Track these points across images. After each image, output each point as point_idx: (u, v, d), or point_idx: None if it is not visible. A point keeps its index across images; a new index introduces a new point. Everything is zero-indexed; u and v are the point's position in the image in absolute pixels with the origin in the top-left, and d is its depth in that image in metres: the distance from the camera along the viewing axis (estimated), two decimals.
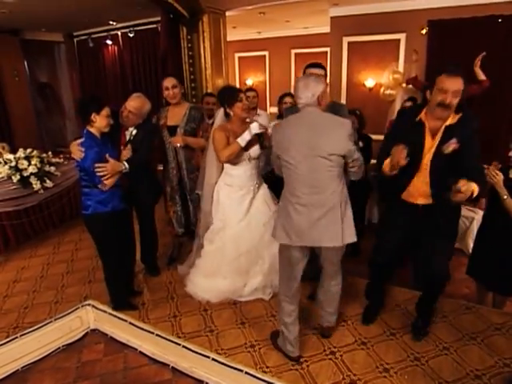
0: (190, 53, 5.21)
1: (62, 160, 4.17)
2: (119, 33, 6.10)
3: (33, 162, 3.71)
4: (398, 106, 4.55)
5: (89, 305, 2.84)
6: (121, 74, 6.37)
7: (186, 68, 5.29)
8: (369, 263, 2.46)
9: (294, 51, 8.42)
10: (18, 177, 3.64)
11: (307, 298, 2.72)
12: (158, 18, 5.45)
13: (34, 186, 3.72)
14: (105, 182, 2.43)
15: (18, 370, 2.49)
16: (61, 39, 6.70)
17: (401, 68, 5.14)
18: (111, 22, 5.85)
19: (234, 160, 2.61)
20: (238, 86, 8.70)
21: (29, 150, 3.80)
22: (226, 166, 2.71)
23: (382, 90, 5.16)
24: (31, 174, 3.70)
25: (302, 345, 2.31)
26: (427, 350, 2.25)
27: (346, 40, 5.52)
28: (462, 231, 3.75)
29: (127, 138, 2.79)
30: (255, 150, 2.64)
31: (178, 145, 2.92)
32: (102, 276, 2.81)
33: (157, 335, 2.51)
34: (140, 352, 2.60)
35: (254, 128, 2.48)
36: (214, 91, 4.87)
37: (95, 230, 2.57)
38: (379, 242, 2.40)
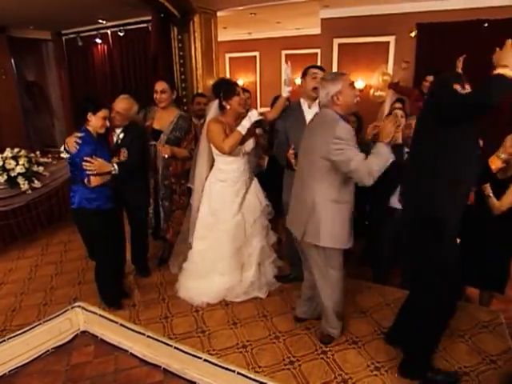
0: (181, 53, 5.19)
1: (50, 160, 4.11)
2: (109, 32, 6.03)
3: (20, 162, 3.65)
4: (387, 108, 4.61)
5: (79, 306, 2.80)
6: (110, 73, 6.30)
7: (176, 68, 5.27)
8: None
9: (284, 52, 8.46)
10: (5, 177, 3.58)
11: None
12: (149, 18, 5.42)
13: (22, 186, 3.65)
14: (91, 178, 2.43)
15: (5, 373, 2.45)
16: (49, 37, 6.58)
17: (390, 70, 5.22)
18: (101, 21, 5.78)
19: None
20: None
21: (16, 150, 3.73)
22: (218, 161, 2.70)
23: (371, 91, 5.23)
24: (19, 174, 3.63)
25: (293, 344, 2.34)
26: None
27: (336, 42, 5.58)
28: None
29: (114, 140, 2.78)
30: (249, 145, 2.66)
31: (166, 156, 2.89)
32: (92, 277, 2.79)
33: (148, 336, 2.49)
34: (131, 354, 2.58)
35: (254, 115, 2.48)
36: (204, 92, 4.87)
37: (80, 224, 2.61)
38: None
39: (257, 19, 6.27)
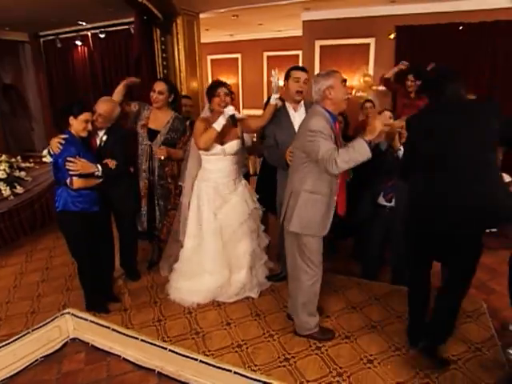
0: (164, 55, 5.16)
1: (32, 164, 4.02)
2: (89, 33, 5.93)
3: (1, 167, 3.57)
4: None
5: (68, 313, 2.75)
6: (91, 75, 6.19)
7: (159, 70, 5.23)
8: None
9: (266, 54, 8.53)
10: None
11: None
12: (130, 20, 5.37)
13: (4, 192, 3.57)
14: (74, 179, 2.41)
15: None
16: (26, 39, 6.41)
17: (371, 71, 5.35)
18: (81, 23, 5.68)
19: (209, 151, 2.64)
20: None
21: None
22: (204, 160, 2.73)
23: (353, 92, 5.35)
24: (0, 179, 3.54)
25: (287, 342, 2.37)
26: (407, 340, 2.35)
27: (318, 43, 5.68)
28: None
29: (98, 142, 2.74)
30: (232, 146, 2.65)
31: (162, 157, 2.89)
32: (80, 283, 2.75)
33: (142, 340, 2.47)
34: (123, 359, 2.54)
35: (229, 110, 2.50)
36: (189, 94, 4.86)
37: (64, 227, 2.58)
38: None
39: (239, 21, 6.30)
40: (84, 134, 2.48)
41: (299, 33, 6.33)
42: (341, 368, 2.15)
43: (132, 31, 5.38)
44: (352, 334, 2.43)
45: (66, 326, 2.76)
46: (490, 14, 4.62)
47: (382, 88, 4.83)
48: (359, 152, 1.94)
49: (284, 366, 2.18)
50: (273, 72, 2.60)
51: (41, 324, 2.63)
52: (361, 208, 2.85)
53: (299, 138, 2.20)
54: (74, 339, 2.76)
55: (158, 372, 2.42)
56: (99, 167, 2.52)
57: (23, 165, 3.88)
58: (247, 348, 2.33)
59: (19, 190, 3.68)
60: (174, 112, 3.05)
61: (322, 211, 2.17)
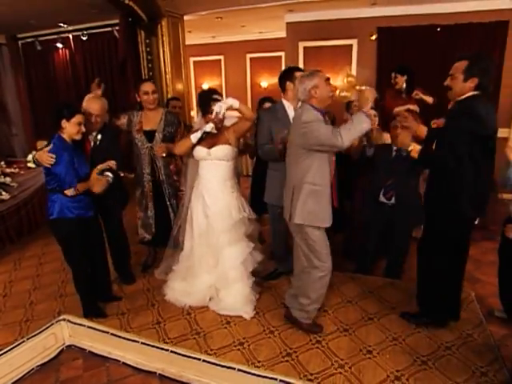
0: (149, 57, 5.15)
1: (16, 170, 3.91)
2: (70, 36, 5.81)
3: None
4: None
5: (63, 320, 2.70)
6: (73, 78, 6.06)
7: (145, 72, 5.21)
8: None
9: (249, 55, 8.57)
10: None
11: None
12: (113, 22, 5.31)
13: None
14: (78, 187, 2.38)
15: None
16: (3, 41, 6.20)
17: (354, 71, 5.47)
18: (61, 25, 5.56)
19: (197, 155, 2.66)
20: (193, 90, 8.66)
21: None
22: (199, 166, 2.72)
23: (337, 92, 5.45)
24: None
25: (288, 337, 2.42)
26: (402, 330, 2.45)
27: (301, 45, 5.77)
28: None
29: (92, 143, 2.71)
30: (218, 150, 2.60)
31: (164, 154, 2.88)
32: (74, 289, 2.71)
33: (142, 343, 2.46)
34: (123, 363, 2.52)
35: (207, 127, 2.51)
36: (175, 95, 4.85)
37: (59, 234, 2.53)
38: None
39: (222, 23, 6.32)
40: (78, 137, 2.43)
41: (282, 34, 6.41)
42: (342, 360, 2.21)
43: (115, 33, 5.31)
44: (350, 326, 2.50)
45: (61, 332, 2.70)
46: (464, 16, 4.83)
47: (365, 88, 4.95)
48: (358, 120, 2.10)
49: (287, 360, 2.22)
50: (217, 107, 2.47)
51: (36, 332, 2.57)
52: (365, 207, 2.94)
53: (294, 133, 2.27)
54: (69, 346, 2.71)
55: (160, 374, 2.41)
56: (109, 174, 2.49)
57: (8, 170, 3.77)
58: (249, 345, 2.36)
59: (5, 196, 3.59)
60: (163, 108, 3.07)
61: (322, 202, 2.25)
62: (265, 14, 5.79)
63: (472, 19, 4.80)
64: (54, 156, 2.30)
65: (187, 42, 5.58)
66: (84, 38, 5.68)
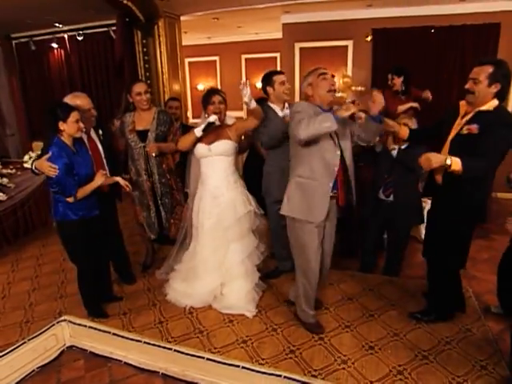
0: (146, 57, 5.14)
1: (13, 171, 3.88)
2: (66, 36, 5.77)
3: None
4: None
5: (64, 320, 2.69)
6: (68, 79, 6.02)
7: (141, 73, 5.20)
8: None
9: (244, 56, 8.59)
10: None
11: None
12: (109, 22, 5.30)
13: None
14: (77, 195, 2.36)
15: None
16: None
17: (350, 72, 5.53)
18: (57, 24, 5.52)
19: (198, 154, 2.68)
20: (189, 91, 8.65)
21: None
22: (201, 164, 2.73)
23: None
24: None
25: (291, 335, 2.44)
26: (403, 326, 2.48)
27: (297, 46, 5.81)
28: None
29: (96, 141, 2.72)
30: (218, 145, 2.62)
31: (154, 154, 2.89)
32: (75, 290, 2.72)
33: (145, 343, 2.46)
34: (125, 363, 2.52)
35: (211, 118, 2.55)
36: (172, 95, 4.85)
37: (63, 235, 2.52)
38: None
39: (219, 24, 6.33)
40: (79, 135, 2.40)
41: (277, 35, 6.45)
42: (345, 356, 2.24)
43: (111, 33, 5.30)
44: (351, 323, 2.53)
45: (62, 333, 2.69)
46: (458, 18, 4.92)
47: (361, 88, 5.01)
48: (324, 119, 2.03)
49: (290, 357, 2.24)
50: (241, 86, 2.45)
51: (37, 333, 2.56)
52: (365, 203, 2.98)
53: (291, 125, 2.25)
54: (70, 347, 2.70)
55: (163, 373, 2.41)
56: (120, 179, 2.54)
57: (4, 171, 3.74)
58: (252, 343, 2.37)
59: (2, 196, 3.55)
60: (156, 107, 3.07)
61: (311, 196, 2.22)
62: (261, 15, 5.82)
63: (465, 21, 4.88)
64: (56, 167, 2.26)
65: (183, 43, 5.58)
66: (80, 38, 5.65)
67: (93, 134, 2.73)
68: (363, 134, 2.29)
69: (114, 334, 2.55)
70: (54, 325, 2.64)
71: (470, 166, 2.01)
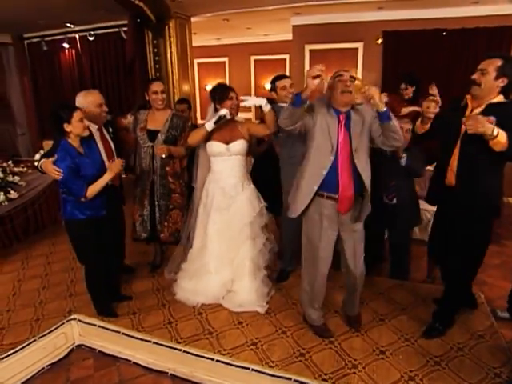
0: (156, 58, 5.17)
1: (24, 169, 3.91)
2: (77, 36, 5.83)
3: None
4: None
5: (74, 319, 2.70)
6: (79, 79, 6.08)
7: (152, 73, 5.24)
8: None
9: (253, 58, 8.60)
10: None
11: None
12: (120, 22, 5.35)
13: None
14: (87, 194, 2.36)
15: None
16: (9, 41, 6.21)
17: (360, 75, 5.51)
18: (68, 25, 5.58)
19: (214, 151, 2.67)
20: (197, 92, 8.68)
21: None
22: (212, 162, 2.74)
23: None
24: None
25: (301, 337, 2.42)
26: (414, 331, 2.45)
27: (307, 47, 5.80)
28: (424, 223, 4.10)
29: (108, 139, 2.77)
30: (236, 145, 2.64)
31: (163, 156, 2.89)
32: (84, 288, 2.72)
33: (154, 343, 2.46)
34: (134, 363, 2.52)
35: (222, 111, 2.54)
36: (182, 96, 4.87)
37: (71, 235, 2.52)
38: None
39: (228, 25, 6.36)
40: (86, 133, 2.37)
41: (286, 37, 6.45)
42: (355, 360, 2.22)
43: (122, 34, 5.34)
44: (362, 327, 2.50)
45: (71, 332, 2.70)
46: (470, 20, 4.87)
47: (367, 87, 4.98)
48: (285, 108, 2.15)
49: (300, 360, 2.22)
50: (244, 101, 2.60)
51: (47, 331, 2.57)
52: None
53: None
54: (79, 345, 2.71)
55: (171, 374, 2.41)
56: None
57: (16, 169, 3.77)
58: (262, 345, 2.36)
59: (13, 194, 3.58)
60: (171, 109, 3.07)
61: (299, 192, 2.24)
62: (271, 17, 5.82)
63: (478, 24, 4.84)
64: (60, 170, 2.26)
65: (192, 44, 5.61)
66: (91, 39, 5.70)
67: (105, 132, 2.76)
68: (383, 138, 2.17)
69: (124, 334, 2.55)
70: (63, 323, 2.65)
71: None
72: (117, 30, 5.43)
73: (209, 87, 9.12)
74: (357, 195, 2.21)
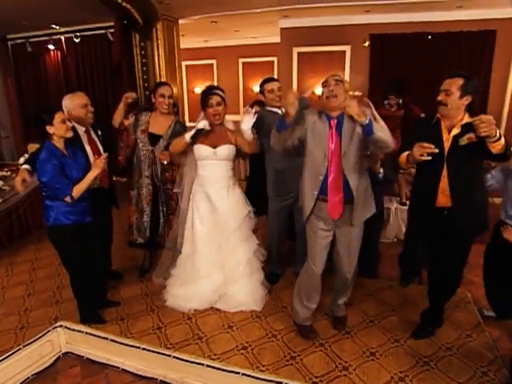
0: (144, 60, 5.12)
1: (8, 173, 3.82)
2: (63, 37, 5.73)
3: None
4: None
5: (60, 326, 2.64)
6: (65, 81, 5.97)
7: (139, 75, 5.19)
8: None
9: (241, 60, 8.59)
10: None
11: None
12: (106, 24, 5.28)
13: None
14: (73, 194, 2.31)
15: None
16: None
17: (347, 77, 5.55)
18: (53, 26, 5.48)
19: (201, 155, 2.66)
20: (185, 94, 8.62)
21: None
22: (198, 166, 2.72)
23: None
24: None
25: (291, 341, 2.42)
26: (403, 332, 2.48)
27: (295, 50, 5.82)
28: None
29: (96, 141, 2.73)
30: (223, 149, 2.63)
31: (165, 162, 2.87)
32: (70, 295, 2.66)
33: (143, 349, 2.42)
34: (122, 370, 2.47)
35: (200, 124, 2.55)
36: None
37: (56, 241, 2.46)
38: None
39: (216, 27, 6.33)
40: (70, 134, 2.34)
41: (274, 39, 6.46)
42: (346, 362, 2.22)
43: (109, 36, 5.27)
44: (352, 329, 2.52)
45: (58, 339, 2.64)
46: (455, 24, 4.96)
47: (358, 93, 5.03)
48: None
49: (291, 364, 2.22)
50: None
51: (32, 339, 2.51)
52: None
53: None
54: (66, 353, 2.65)
55: (161, 380, 2.38)
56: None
57: (0, 173, 3.68)
58: (252, 349, 2.35)
59: None
60: (174, 116, 3.04)
61: (303, 194, 2.30)
62: (259, 19, 5.82)
63: (462, 28, 4.93)
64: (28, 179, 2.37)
65: (180, 46, 5.57)
66: (77, 40, 5.61)
67: (93, 134, 2.72)
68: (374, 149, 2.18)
69: (112, 340, 2.51)
70: (49, 331, 2.59)
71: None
72: (103, 31, 5.36)
73: (197, 90, 9.08)
74: (347, 200, 2.21)
